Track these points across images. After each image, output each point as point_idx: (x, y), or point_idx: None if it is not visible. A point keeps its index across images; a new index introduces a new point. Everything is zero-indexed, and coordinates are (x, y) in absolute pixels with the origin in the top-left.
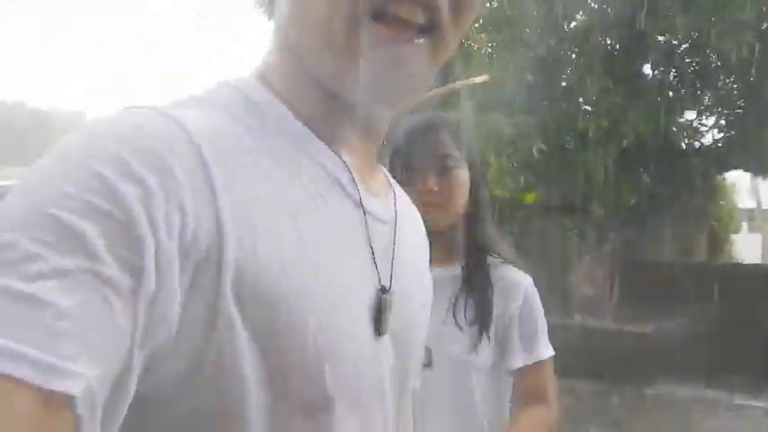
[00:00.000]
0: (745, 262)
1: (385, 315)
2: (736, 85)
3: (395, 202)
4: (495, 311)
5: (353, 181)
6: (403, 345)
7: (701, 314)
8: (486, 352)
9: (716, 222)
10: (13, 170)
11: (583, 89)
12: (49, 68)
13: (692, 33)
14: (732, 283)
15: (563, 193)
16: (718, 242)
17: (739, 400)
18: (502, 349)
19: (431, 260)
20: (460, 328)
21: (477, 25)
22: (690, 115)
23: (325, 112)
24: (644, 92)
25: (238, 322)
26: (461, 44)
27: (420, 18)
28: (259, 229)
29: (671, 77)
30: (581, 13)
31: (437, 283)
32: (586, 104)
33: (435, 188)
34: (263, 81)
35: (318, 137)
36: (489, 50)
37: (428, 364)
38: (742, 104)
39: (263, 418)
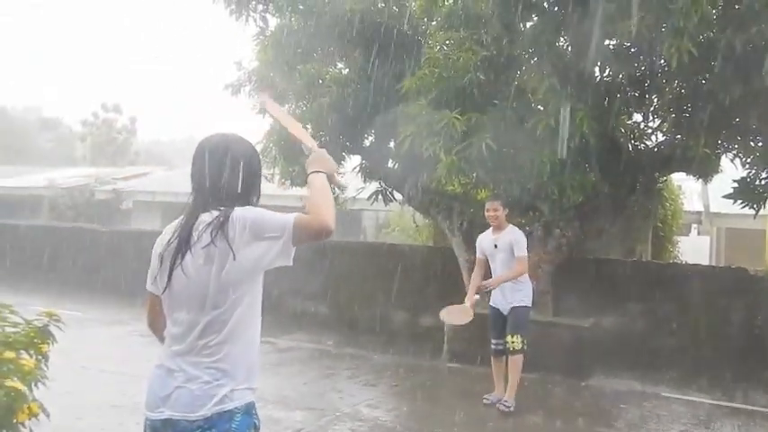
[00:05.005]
0: (685, 262)
1: None
2: (683, 91)
3: None
4: None
5: None
6: None
7: (638, 311)
8: None
9: (661, 224)
10: None
11: (533, 89)
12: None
13: (640, 39)
14: (670, 282)
15: (512, 191)
16: (662, 243)
17: (665, 392)
18: None
19: None
20: None
21: (434, 23)
22: (637, 117)
23: None
24: (592, 94)
25: None
26: (418, 41)
27: None
28: None
29: (620, 80)
30: (535, 15)
31: None
32: (536, 104)
33: None
34: None
35: None
36: (445, 48)
37: None
38: (688, 109)
39: None
